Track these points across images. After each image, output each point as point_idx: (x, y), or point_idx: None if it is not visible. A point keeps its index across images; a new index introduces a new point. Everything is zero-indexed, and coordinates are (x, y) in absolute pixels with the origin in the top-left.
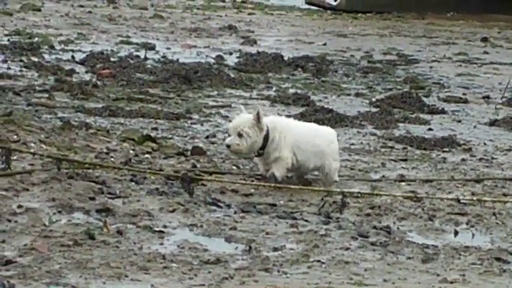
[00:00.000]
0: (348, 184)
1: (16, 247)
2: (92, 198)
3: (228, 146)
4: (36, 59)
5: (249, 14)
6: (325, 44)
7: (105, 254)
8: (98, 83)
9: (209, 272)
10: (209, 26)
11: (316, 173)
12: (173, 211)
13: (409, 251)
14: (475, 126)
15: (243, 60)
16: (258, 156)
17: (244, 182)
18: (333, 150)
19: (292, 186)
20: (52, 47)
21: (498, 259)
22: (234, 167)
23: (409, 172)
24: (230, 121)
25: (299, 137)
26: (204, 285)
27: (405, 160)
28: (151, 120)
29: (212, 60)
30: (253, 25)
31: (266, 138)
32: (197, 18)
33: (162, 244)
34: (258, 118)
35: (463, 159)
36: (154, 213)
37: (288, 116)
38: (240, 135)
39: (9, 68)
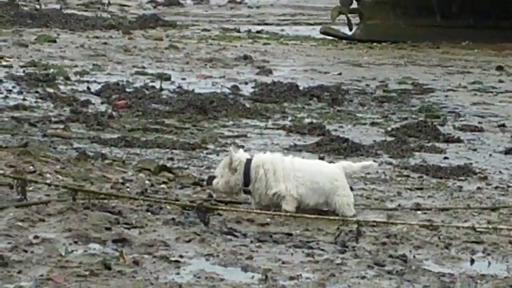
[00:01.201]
0: (364, 213)
1: (33, 277)
2: (108, 229)
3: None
4: (51, 90)
5: (264, 44)
6: (340, 74)
7: (121, 284)
8: (114, 113)
9: None
10: (224, 56)
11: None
12: (189, 241)
13: (426, 280)
14: (490, 155)
15: (258, 90)
16: (246, 193)
17: (260, 211)
18: (338, 187)
19: (308, 216)
20: (67, 78)
21: None
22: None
23: (425, 201)
24: None
25: (298, 172)
26: None
27: (421, 189)
28: (167, 150)
29: (227, 91)
30: (268, 55)
31: (248, 177)
32: (212, 49)
33: (178, 274)
34: (230, 159)
35: (478, 188)
36: (171, 243)
37: (304, 146)
38: (221, 176)
39: (24, 99)
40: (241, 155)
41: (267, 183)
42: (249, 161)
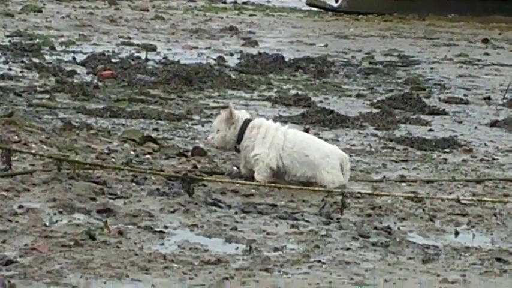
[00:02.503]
0: (349, 185)
1: (17, 247)
2: (93, 199)
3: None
4: (37, 60)
5: (250, 15)
6: (326, 45)
7: (105, 255)
8: (99, 84)
9: (210, 272)
10: (210, 28)
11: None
12: (174, 211)
13: (410, 252)
14: (476, 127)
15: (244, 62)
16: (236, 151)
17: (244, 182)
18: (328, 164)
19: (293, 187)
20: (53, 48)
21: (499, 259)
22: (235, 168)
23: (410, 173)
24: None
25: (288, 143)
26: (204, 285)
27: (406, 161)
28: (152, 121)
29: (213, 62)
30: (254, 26)
31: (242, 134)
32: (198, 20)
33: (162, 244)
34: (230, 113)
35: (464, 160)
36: (155, 214)
37: (289, 117)
38: (217, 131)
39: (10, 69)
40: (241, 113)
41: (253, 145)
42: (248, 120)
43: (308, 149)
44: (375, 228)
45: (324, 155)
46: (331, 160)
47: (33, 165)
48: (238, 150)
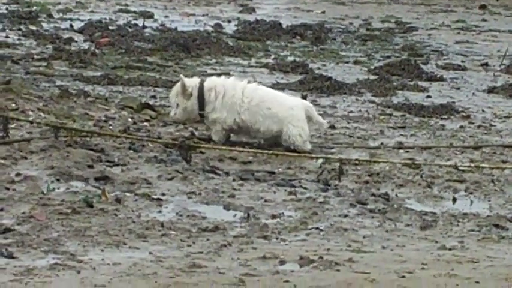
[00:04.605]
0: (347, 151)
1: (14, 215)
2: (90, 166)
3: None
4: (34, 28)
5: None
6: (323, 12)
7: (103, 222)
8: (96, 51)
9: (207, 240)
10: None
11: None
12: (172, 179)
13: (408, 218)
14: (473, 94)
15: (242, 28)
16: (202, 117)
17: (242, 149)
18: (293, 116)
19: (290, 154)
20: (50, 15)
21: (496, 226)
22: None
23: (407, 139)
24: None
25: (245, 98)
26: (202, 252)
27: (404, 127)
28: (150, 88)
29: (210, 28)
30: None
31: (202, 101)
32: None
33: (160, 212)
34: (183, 85)
35: (461, 126)
36: (153, 181)
37: (287, 84)
38: (177, 105)
39: (7, 37)
40: (193, 80)
41: (215, 107)
42: (201, 85)
43: (270, 102)
44: (373, 195)
45: (288, 108)
46: (296, 112)
47: (31, 132)
48: (202, 116)
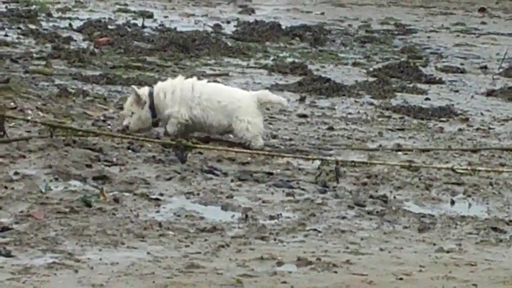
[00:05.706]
0: (345, 153)
1: (12, 214)
2: (89, 166)
3: (127, 127)
4: (33, 27)
5: None
6: (323, 14)
7: (101, 222)
8: (96, 50)
9: (205, 240)
10: None
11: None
12: (170, 179)
13: (406, 220)
14: (472, 97)
15: (241, 29)
16: (157, 125)
17: (240, 150)
18: (240, 108)
19: (287, 155)
20: (50, 14)
21: (494, 229)
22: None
23: (406, 141)
24: None
25: (195, 93)
26: (200, 252)
27: (402, 130)
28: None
29: (210, 29)
30: None
31: (154, 108)
32: None
33: (158, 212)
34: (135, 94)
35: (460, 129)
36: (151, 181)
37: (285, 85)
38: (132, 113)
39: (6, 35)
40: (145, 89)
41: (165, 104)
42: (151, 92)
43: (219, 95)
44: (371, 197)
45: (235, 100)
46: (243, 104)
47: (30, 131)
48: (156, 125)
